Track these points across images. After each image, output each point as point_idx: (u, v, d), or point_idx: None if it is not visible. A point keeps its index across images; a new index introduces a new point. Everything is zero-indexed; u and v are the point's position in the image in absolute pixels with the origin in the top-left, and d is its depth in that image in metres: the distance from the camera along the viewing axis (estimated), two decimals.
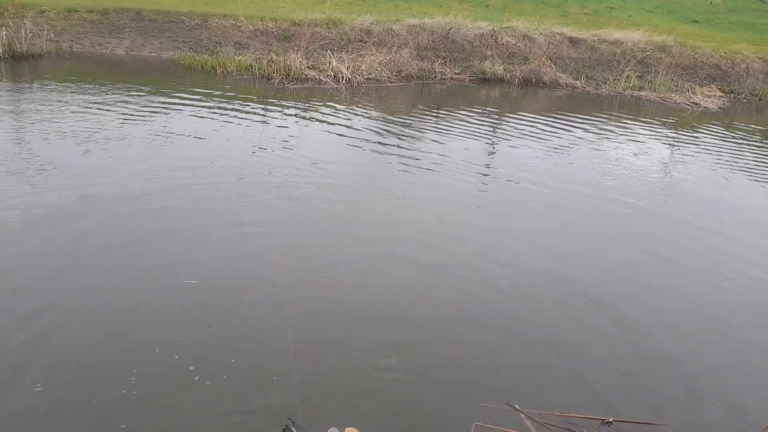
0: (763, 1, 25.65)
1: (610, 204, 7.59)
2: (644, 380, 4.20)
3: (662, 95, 15.67)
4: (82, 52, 13.96)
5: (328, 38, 15.54)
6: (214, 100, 10.97)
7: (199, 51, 14.58)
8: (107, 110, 9.50)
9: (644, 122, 12.95)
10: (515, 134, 10.75)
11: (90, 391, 3.58)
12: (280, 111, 10.82)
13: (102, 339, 4.07)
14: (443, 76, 15.23)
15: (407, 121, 11.09)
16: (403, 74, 14.72)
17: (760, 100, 16.72)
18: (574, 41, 17.50)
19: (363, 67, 14.03)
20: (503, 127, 11.38)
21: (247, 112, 10.34)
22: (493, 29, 16.87)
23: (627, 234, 6.77)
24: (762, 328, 5.03)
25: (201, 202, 6.34)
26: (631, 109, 14.34)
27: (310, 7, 17.92)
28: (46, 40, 13.45)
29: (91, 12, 15.14)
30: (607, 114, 13.40)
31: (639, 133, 11.79)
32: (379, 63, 14.47)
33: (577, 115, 12.85)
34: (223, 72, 13.31)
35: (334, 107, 11.51)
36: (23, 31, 13.00)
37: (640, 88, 16.03)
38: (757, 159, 10.75)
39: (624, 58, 16.76)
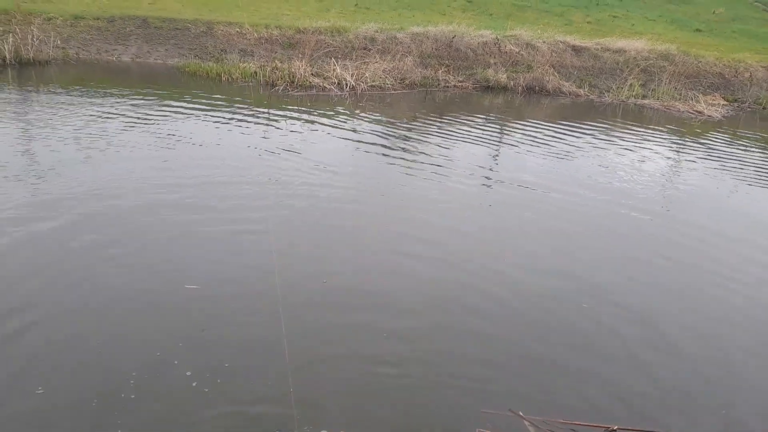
0: (765, 9, 25.67)
1: (616, 207, 7.57)
2: (649, 387, 4.15)
3: (666, 104, 15.65)
4: (89, 58, 14.08)
5: (333, 46, 15.64)
6: (219, 107, 11.02)
7: (204, 58, 14.69)
8: (112, 116, 9.55)
9: (648, 130, 12.93)
10: (520, 140, 10.75)
11: (89, 394, 3.59)
12: (284, 117, 10.85)
13: (102, 343, 4.07)
14: (447, 84, 15.27)
15: (411, 127, 11.11)
16: (406, 82, 14.77)
17: (764, 108, 16.70)
18: (577, 50, 17.55)
19: (367, 75, 14.08)
20: (507, 133, 11.39)
21: (251, 119, 10.38)
22: (497, 37, 16.95)
23: (634, 237, 6.74)
24: None
25: (204, 207, 6.34)
26: (635, 117, 14.32)
27: (315, 15, 18.06)
28: (53, 47, 13.56)
29: (98, 19, 15.29)
30: (611, 122, 13.39)
31: (644, 141, 11.77)
32: (383, 71, 14.52)
33: (580, 122, 12.85)
34: (227, 79, 13.39)
35: (338, 114, 11.55)
36: (30, 37, 13.11)
37: (644, 97, 16.03)
38: (763, 166, 10.70)
39: (627, 67, 16.79)
